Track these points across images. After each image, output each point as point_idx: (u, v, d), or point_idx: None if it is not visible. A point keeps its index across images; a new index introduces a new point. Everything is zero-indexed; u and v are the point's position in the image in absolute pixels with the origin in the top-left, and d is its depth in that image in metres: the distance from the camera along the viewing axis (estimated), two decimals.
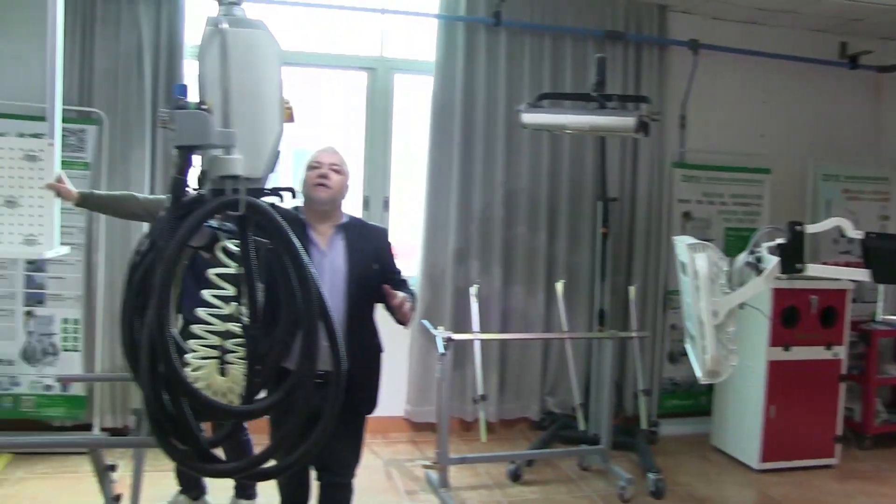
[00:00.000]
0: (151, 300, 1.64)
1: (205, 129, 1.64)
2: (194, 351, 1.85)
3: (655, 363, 5.88)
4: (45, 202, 3.78)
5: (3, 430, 4.77)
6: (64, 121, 4.87)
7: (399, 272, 3.32)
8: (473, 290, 4.89)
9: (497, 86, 5.49)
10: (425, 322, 4.89)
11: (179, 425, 1.71)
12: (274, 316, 1.84)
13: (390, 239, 3.35)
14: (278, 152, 1.76)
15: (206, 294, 1.85)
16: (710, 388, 5.65)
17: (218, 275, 1.83)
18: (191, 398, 1.70)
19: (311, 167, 3.11)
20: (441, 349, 4.40)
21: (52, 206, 3.78)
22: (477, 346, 4.82)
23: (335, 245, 3.11)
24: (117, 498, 3.06)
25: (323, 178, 3.05)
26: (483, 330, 5.10)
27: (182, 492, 4.06)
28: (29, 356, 4.95)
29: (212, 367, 1.86)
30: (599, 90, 4.72)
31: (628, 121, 4.51)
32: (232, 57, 1.68)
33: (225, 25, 1.68)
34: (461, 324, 5.29)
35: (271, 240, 1.73)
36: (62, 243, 3.92)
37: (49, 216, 3.80)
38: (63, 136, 4.86)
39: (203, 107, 1.67)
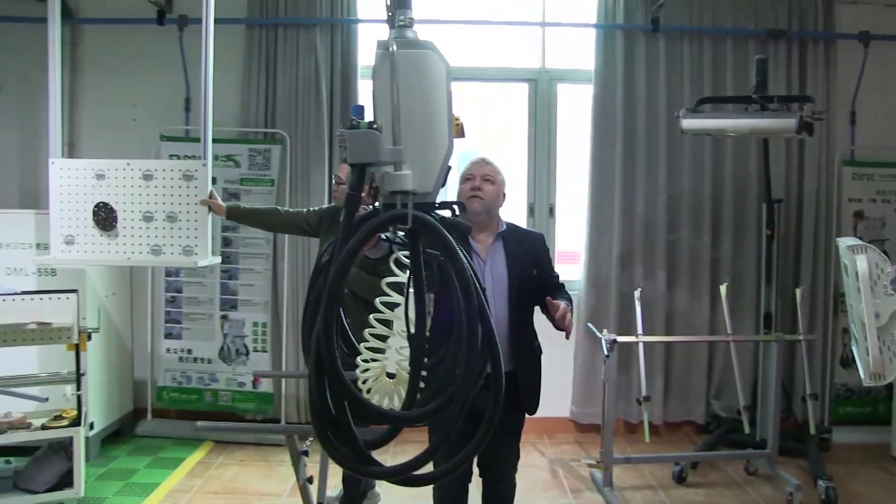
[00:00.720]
0: (321, 307, 1.69)
1: (375, 147, 1.69)
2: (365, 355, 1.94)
3: (826, 368, 5.70)
4: (200, 217, 4.29)
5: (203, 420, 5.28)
6: (250, 142, 5.41)
7: (557, 276, 3.37)
8: (637, 293, 4.95)
9: (657, 91, 5.52)
10: (590, 325, 5.00)
11: (341, 427, 1.74)
12: (442, 326, 1.87)
13: (547, 243, 3.46)
14: (449, 167, 1.80)
15: (377, 302, 1.96)
16: (889, 395, 5.43)
17: (390, 284, 1.93)
18: (353, 403, 1.73)
19: (464, 179, 3.20)
20: (605, 351, 4.49)
21: (205, 221, 4.28)
22: (641, 349, 4.88)
23: (495, 253, 3.18)
24: (310, 479, 3.38)
25: (476, 190, 3.13)
26: (647, 333, 5.14)
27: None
28: (224, 356, 5.43)
29: (380, 370, 1.95)
30: (760, 92, 4.67)
31: (790, 122, 4.44)
32: (401, 77, 1.71)
33: (394, 47, 1.72)
34: (625, 327, 5.36)
35: (439, 251, 1.74)
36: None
37: (203, 229, 4.29)
38: (250, 155, 5.41)
39: (374, 126, 1.71)
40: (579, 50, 5.68)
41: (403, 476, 1.83)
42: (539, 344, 3.29)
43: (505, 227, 3.26)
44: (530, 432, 4.04)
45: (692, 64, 5.55)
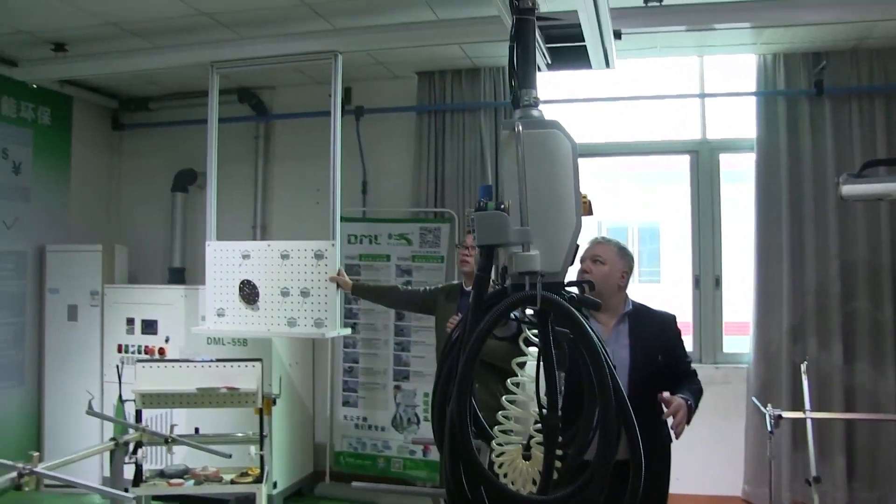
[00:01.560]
0: (455, 389, 1.73)
1: (502, 228, 1.74)
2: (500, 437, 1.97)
3: None
4: (330, 292, 4.76)
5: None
6: (421, 221, 5.79)
7: (688, 361, 3.25)
8: (804, 366, 4.73)
9: (824, 156, 5.35)
10: (755, 400, 4.83)
11: None
12: (575, 406, 1.86)
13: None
14: (577, 245, 1.82)
15: (509, 382, 2.01)
16: None
17: (519, 364, 1.97)
18: (487, 486, 1.75)
19: (581, 259, 3.16)
20: (769, 427, 4.32)
21: (335, 296, 4.73)
22: (809, 425, 4.63)
23: (618, 336, 3.11)
24: None
25: (582, 273, 3.12)
26: (822, 408, 4.88)
27: None
28: (397, 424, 5.71)
29: (516, 453, 1.96)
30: None
31: None
32: (526, 157, 1.77)
33: (519, 127, 1.79)
34: (798, 402, 5.12)
35: (570, 330, 1.75)
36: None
37: (332, 303, 4.76)
38: (421, 233, 5.77)
39: (501, 207, 1.77)
40: (741, 118, 5.63)
41: None
42: (669, 432, 3.01)
43: (631, 307, 3.19)
44: None
45: (862, 126, 5.34)
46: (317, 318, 4.80)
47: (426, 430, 5.62)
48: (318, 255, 4.82)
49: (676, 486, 5.48)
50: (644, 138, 5.94)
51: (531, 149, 1.79)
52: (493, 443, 1.97)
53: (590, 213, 1.87)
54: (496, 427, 1.99)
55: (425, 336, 5.68)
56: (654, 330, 3.16)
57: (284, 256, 4.88)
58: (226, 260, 5.00)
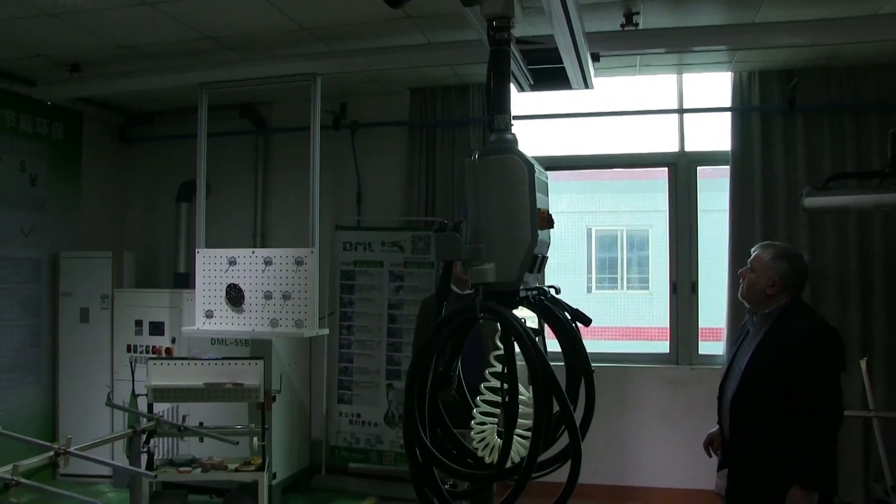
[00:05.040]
0: (408, 377, 2.02)
1: (455, 246, 1.96)
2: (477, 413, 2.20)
3: None
4: (309, 295, 5.16)
5: (369, 478, 5.92)
6: (413, 229, 6.10)
7: (819, 394, 3.04)
8: None
9: (796, 168, 5.59)
10: None
11: (429, 480, 1.99)
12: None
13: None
14: (537, 256, 2.01)
15: (487, 373, 2.20)
16: None
17: (496, 357, 2.15)
18: (437, 465, 1.99)
19: None
20: None
21: (314, 299, 5.13)
22: None
23: (755, 335, 3.27)
24: None
25: (741, 277, 3.38)
26: None
27: None
28: (389, 420, 6.02)
29: (491, 431, 2.19)
30: (894, 166, 4.69)
31: None
32: (481, 182, 1.97)
33: (475, 157, 1.99)
34: None
35: (502, 330, 1.99)
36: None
37: (311, 306, 5.15)
38: (413, 241, 6.07)
39: (459, 226, 1.99)
40: (718, 132, 5.90)
41: None
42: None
43: (782, 310, 3.23)
44: None
45: (833, 140, 5.57)
46: (297, 319, 5.17)
47: None
48: (299, 262, 5.19)
49: (653, 480, 5.86)
50: (626, 150, 6.22)
51: (486, 174, 1.99)
52: (473, 422, 2.18)
53: (550, 226, 2.05)
54: (475, 409, 2.20)
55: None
56: (781, 340, 3.15)
57: (268, 262, 5.26)
58: (214, 266, 5.38)
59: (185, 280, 6.52)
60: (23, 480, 3.22)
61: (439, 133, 6.19)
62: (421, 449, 1.99)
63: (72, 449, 3.52)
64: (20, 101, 6.01)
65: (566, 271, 8.34)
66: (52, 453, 3.47)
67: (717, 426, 3.53)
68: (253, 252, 5.35)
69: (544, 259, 2.08)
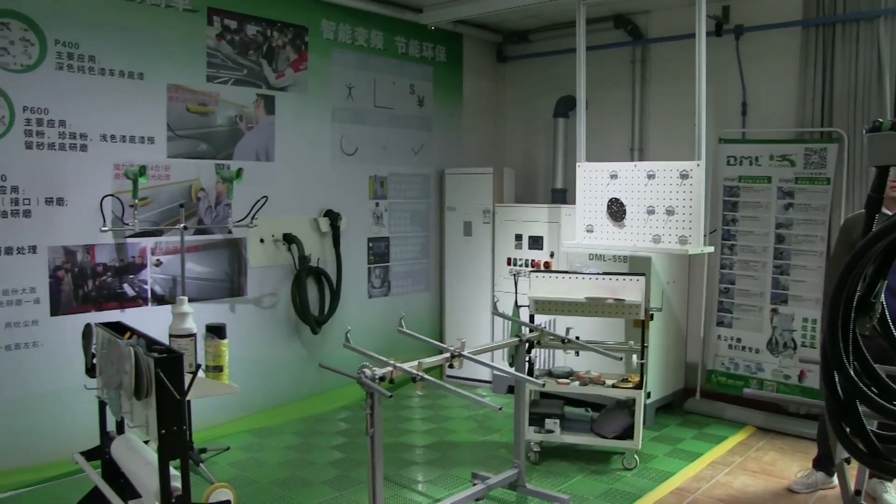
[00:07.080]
0: (824, 303, 1.80)
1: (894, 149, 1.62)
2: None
3: None
4: (694, 210, 4.83)
5: (747, 406, 5.65)
6: (806, 141, 5.58)
7: None
8: None
9: None
10: None
11: (853, 422, 1.74)
12: None
13: None
14: None
15: None
16: None
17: None
18: (864, 400, 1.73)
19: None
20: None
21: (700, 214, 4.80)
22: None
23: None
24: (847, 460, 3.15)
25: None
26: None
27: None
28: (772, 347, 5.66)
29: None
30: None
31: None
32: None
33: None
34: None
35: None
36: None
37: (697, 222, 4.83)
38: (805, 154, 5.56)
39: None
40: None
41: None
42: None
43: None
44: None
45: None
46: (681, 236, 4.95)
47: (803, 355, 5.51)
48: (684, 175, 4.93)
49: None
50: None
51: None
52: None
53: None
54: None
55: (806, 260, 5.52)
56: None
57: (651, 176, 5.07)
58: (595, 180, 5.33)
59: (562, 196, 6.62)
60: (426, 377, 3.49)
61: (839, 31, 5.48)
62: (844, 380, 1.73)
63: (465, 352, 3.78)
64: (408, 27, 6.50)
65: None
66: (448, 354, 3.77)
67: None
68: (635, 165, 5.21)
69: None
